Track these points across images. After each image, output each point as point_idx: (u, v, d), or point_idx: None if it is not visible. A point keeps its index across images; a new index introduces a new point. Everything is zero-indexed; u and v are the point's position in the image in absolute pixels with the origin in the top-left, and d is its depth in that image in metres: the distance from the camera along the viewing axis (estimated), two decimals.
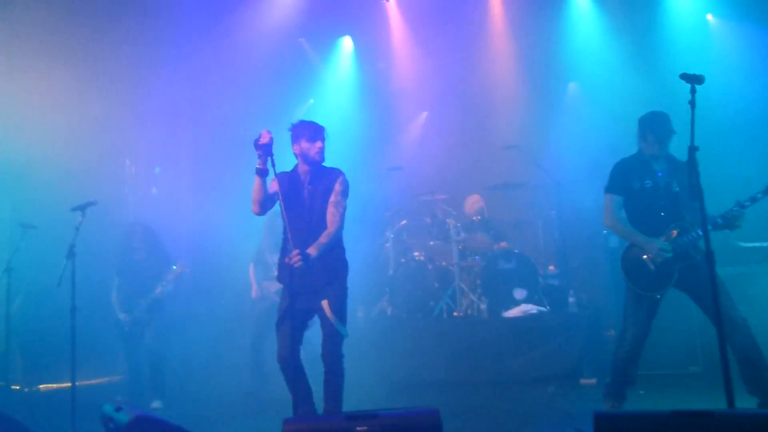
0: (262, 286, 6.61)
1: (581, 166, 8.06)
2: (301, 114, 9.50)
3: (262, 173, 4.03)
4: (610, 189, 4.61)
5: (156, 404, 6.09)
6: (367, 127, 9.16)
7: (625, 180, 4.54)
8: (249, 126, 8.50)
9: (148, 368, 6.22)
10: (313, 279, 4.02)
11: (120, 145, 7.98)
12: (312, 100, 9.66)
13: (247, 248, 6.95)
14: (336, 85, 9.55)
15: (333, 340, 4.01)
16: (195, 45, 8.24)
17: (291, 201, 4.06)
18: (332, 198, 4.10)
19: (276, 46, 8.66)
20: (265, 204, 4.08)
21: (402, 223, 8.03)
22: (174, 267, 6.28)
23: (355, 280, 4.35)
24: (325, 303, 4.02)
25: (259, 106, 8.57)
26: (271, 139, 3.97)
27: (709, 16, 8.27)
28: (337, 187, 4.12)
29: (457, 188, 8.34)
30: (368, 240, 7.86)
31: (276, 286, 6.35)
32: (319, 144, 4.16)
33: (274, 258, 6.46)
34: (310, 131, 4.16)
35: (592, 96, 8.51)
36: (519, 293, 6.94)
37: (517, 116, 8.75)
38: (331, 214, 4.08)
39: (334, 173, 4.19)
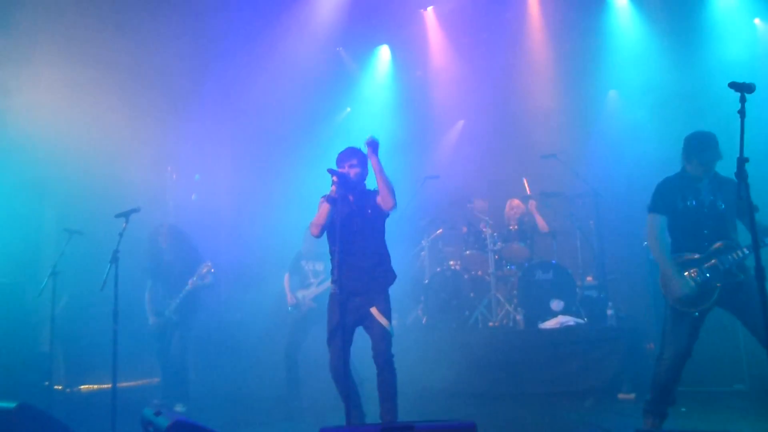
0: (297, 295, 6.65)
1: (621, 175, 7.96)
2: (338, 122, 9.62)
3: (334, 201, 4.31)
4: (652, 209, 4.52)
5: (179, 407, 6.20)
6: (404, 136, 9.19)
7: (668, 200, 4.44)
8: (287, 134, 8.91)
9: (173, 372, 6.36)
10: (366, 284, 4.37)
11: (162, 152, 8.16)
12: (349, 109, 9.74)
13: (284, 255, 7.02)
14: (373, 93, 9.62)
15: (385, 340, 4.29)
16: (235, 55, 8.40)
17: (342, 223, 4.32)
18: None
19: (315, 56, 8.78)
20: (326, 228, 4.39)
21: (438, 232, 8.04)
22: (203, 267, 6.41)
23: (390, 288, 4.49)
24: (374, 310, 4.33)
25: (297, 114, 8.69)
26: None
27: (757, 21, 8.02)
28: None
29: (494, 197, 8.28)
30: (404, 248, 7.86)
31: (312, 294, 6.50)
32: (355, 169, 4.45)
33: (310, 266, 6.64)
34: (342, 156, 4.51)
35: (633, 104, 8.38)
36: (556, 304, 6.86)
37: (555, 125, 8.68)
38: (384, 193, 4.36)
39: (374, 191, 4.50)
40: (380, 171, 4.32)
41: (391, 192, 4.35)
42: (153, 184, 8.06)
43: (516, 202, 7.83)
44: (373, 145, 4.35)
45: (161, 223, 6.79)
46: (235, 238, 8.24)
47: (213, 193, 8.56)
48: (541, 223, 7.60)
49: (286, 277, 6.81)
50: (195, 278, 6.38)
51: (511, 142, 9.03)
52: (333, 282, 4.35)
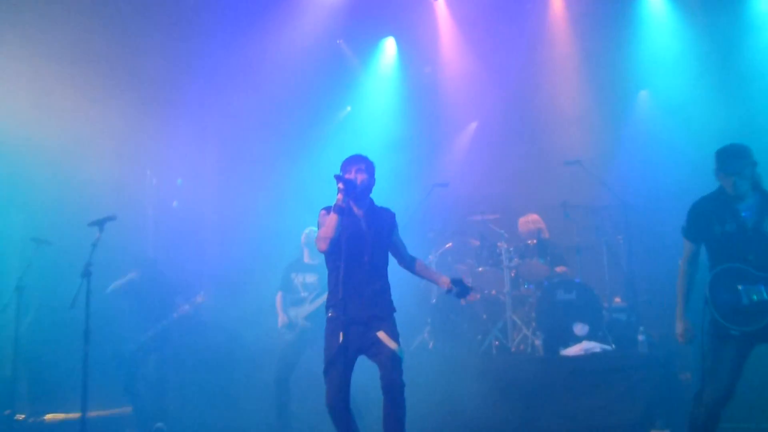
0: (289, 314, 6.67)
1: (653, 185, 7.96)
2: (337, 122, 9.65)
3: (343, 212, 4.30)
4: (685, 234, 4.49)
5: (159, 425, 6.33)
6: (410, 138, 9.22)
7: (702, 225, 4.37)
8: (279, 136, 8.93)
9: (153, 395, 6.44)
10: (369, 311, 4.38)
11: (141, 154, 8.17)
12: (349, 108, 9.77)
13: (276, 267, 7.05)
14: (376, 91, 9.64)
15: (395, 367, 4.26)
16: (223, 48, 8.44)
17: (348, 238, 4.35)
18: (398, 241, 4.63)
19: (311, 49, 8.79)
20: (335, 242, 4.35)
21: (447, 245, 8.01)
22: (198, 297, 6.60)
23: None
24: (381, 334, 4.33)
25: (291, 114, 8.73)
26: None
27: None
28: (397, 229, 4.64)
29: (509, 208, 8.30)
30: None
31: (305, 312, 6.52)
32: (362, 175, 4.47)
33: (299, 278, 6.69)
34: (348, 161, 4.52)
35: (667, 106, 8.38)
36: (580, 329, 6.83)
37: (579, 128, 8.70)
38: (405, 253, 4.66)
39: (389, 214, 4.62)
40: None
41: None
42: (130, 189, 8.06)
43: (534, 217, 7.83)
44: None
45: (136, 264, 6.90)
46: (222, 249, 8.30)
47: (197, 200, 8.58)
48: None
49: (279, 296, 6.82)
50: (186, 306, 6.58)
51: (529, 147, 9.05)
52: (331, 305, 4.35)
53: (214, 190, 8.82)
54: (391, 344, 4.30)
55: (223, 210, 8.65)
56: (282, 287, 6.83)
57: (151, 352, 6.51)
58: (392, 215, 4.60)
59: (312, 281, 6.64)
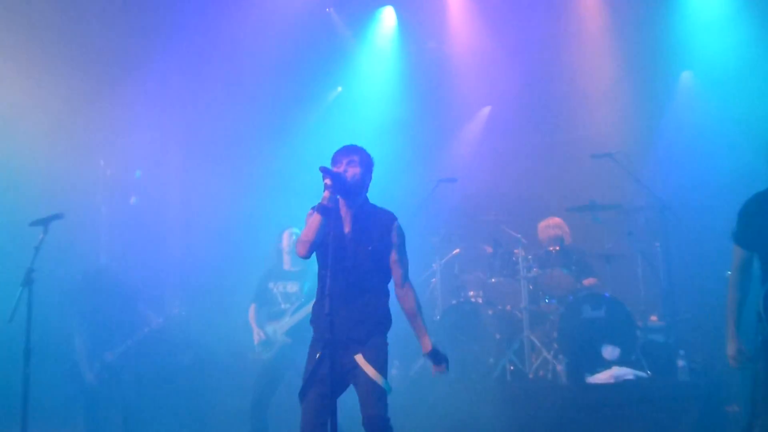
0: (266, 330, 6.66)
1: (697, 182, 7.96)
2: (325, 105, 9.65)
3: (327, 212, 4.24)
4: (735, 239, 4.47)
5: None
6: (411, 126, 9.25)
7: (756, 228, 4.37)
8: (258, 122, 8.90)
9: (121, 421, 6.49)
10: (351, 330, 4.29)
11: (92, 142, 8.15)
12: (340, 89, 9.77)
13: (254, 273, 7.06)
14: (372, 69, 9.64)
15: (375, 400, 4.17)
16: (188, 20, 8.38)
17: (333, 243, 4.27)
18: (394, 256, 4.42)
19: (294, 18, 8.73)
20: (316, 246, 4.32)
21: (454, 252, 8.02)
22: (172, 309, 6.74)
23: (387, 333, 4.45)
24: (359, 358, 4.24)
25: (271, 97, 8.73)
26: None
27: None
28: (395, 238, 4.43)
29: (527, 208, 8.32)
30: (409, 273, 7.81)
31: (286, 327, 6.54)
32: (354, 169, 4.41)
33: (279, 287, 6.70)
34: (339, 153, 4.48)
35: (714, 89, 8.38)
36: (609, 351, 6.85)
37: (609, 115, 8.74)
38: (398, 275, 4.44)
39: (387, 216, 4.48)
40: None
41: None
42: (80, 182, 8.03)
43: (556, 220, 7.85)
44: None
45: (97, 269, 6.93)
46: (189, 253, 8.30)
47: (159, 195, 8.58)
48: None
49: (252, 309, 6.83)
50: (160, 320, 6.72)
51: (551, 137, 9.09)
52: (314, 321, 4.35)
53: (180, 184, 8.82)
54: (370, 371, 4.19)
55: (191, 207, 8.63)
56: (257, 299, 6.84)
57: (119, 373, 6.56)
58: (390, 219, 4.47)
59: (293, 291, 6.65)
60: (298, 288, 6.63)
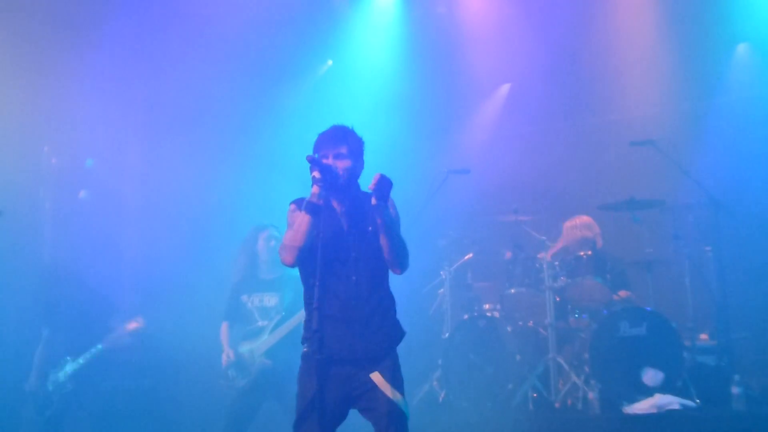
0: (240, 350, 6.64)
1: (755, 176, 7.99)
2: (313, 81, 9.63)
3: (318, 211, 4.24)
4: None
5: None
6: (415, 106, 9.23)
7: None
8: (232, 101, 8.85)
9: None
10: (362, 343, 4.32)
11: (34, 125, 8.08)
12: (331, 62, 9.77)
13: (226, 280, 7.07)
14: (368, 39, 9.63)
15: (396, 426, 4.24)
16: None
17: (326, 244, 4.29)
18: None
19: None
20: (305, 252, 4.31)
21: (466, 257, 8.04)
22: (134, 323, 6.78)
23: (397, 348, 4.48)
24: (377, 376, 4.28)
25: (248, 71, 8.71)
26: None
27: None
28: (393, 211, 4.49)
29: (553, 206, 8.36)
30: (412, 282, 7.77)
31: (265, 347, 6.52)
32: (344, 162, 4.40)
33: (255, 300, 6.71)
34: (324, 141, 4.49)
35: None
36: (651, 376, 6.83)
37: (652, 95, 8.75)
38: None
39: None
40: (388, 227, 4.31)
41: (401, 256, 4.39)
42: (21, 173, 7.98)
43: (585, 219, 7.87)
44: (383, 189, 4.27)
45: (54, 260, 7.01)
46: (151, 256, 8.24)
47: (116, 188, 8.53)
48: None
49: (224, 328, 6.83)
50: (116, 335, 6.74)
51: (582, 120, 9.13)
52: (306, 338, 4.30)
53: (141, 175, 8.77)
54: (390, 393, 4.25)
55: (155, 202, 8.56)
56: (229, 315, 6.83)
57: (65, 400, 6.63)
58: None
59: (272, 304, 6.64)
60: (277, 300, 6.62)
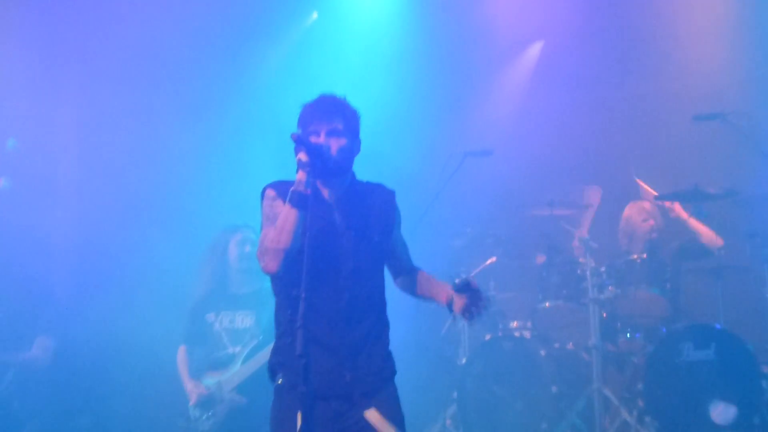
0: (206, 382, 6.61)
1: None
2: (294, 39, 9.56)
3: (306, 202, 4.14)
4: None
5: None
6: (423, 72, 9.20)
7: None
8: (199, 63, 8.77)
9: None
10: (351, 374, 4.29)
11: None
12: (316, 14, 9.72)
13: (186, 292, 7.08)
14: None
15: None
16: None
17: (312, 243, 4.20)
18: (397, 239, 4.60)
19: None
20: (293, 255, 4.22)
21: (488, 262, 8.06)
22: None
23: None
24: (372, 414, 4.28)
25: (215, 27, 8.67)
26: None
27: None
28: (398, 219, 4.60)
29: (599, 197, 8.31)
30: None
31: (236, 380, 6.47)
32: (338, 140, 4.35)
33: (224, 320, 6.71)
34: (312, 113, 4.43)
35: None
36: (721, 411, 6.83)
37: (720, 57, 8.68)
38: (403, 260, 4.66)
39: (384, 193, 4.59)
40: None
41: None
42: None
43: (645, 205, 7.87)
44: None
45: None
46: (88, 249, 8.21)
47: (44, 174, 8.45)
48: (707, 234, 7.56)
49: (181, 353, 6.83)
50: (36, 349, 6.81)
51: (632, 88, 9.13)
52: (283, 366, 4.26)
53: (74, 159, 8.71)
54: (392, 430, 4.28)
55: (92, 185, 8.50)
56: (188, 337, 6.83)
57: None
58: (390, 196, 4.57)
59: (246, 325, 6.62)
60: (252, 321, 6.63)
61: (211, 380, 6.59)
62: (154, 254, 8.00)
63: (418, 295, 4.65)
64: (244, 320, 6.63)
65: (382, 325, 4.47)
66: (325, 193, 4.39)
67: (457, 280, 4.31)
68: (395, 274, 4.66)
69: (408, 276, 4.65)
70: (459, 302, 4.32)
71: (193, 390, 6.61)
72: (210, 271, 6.84)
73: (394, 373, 4.45)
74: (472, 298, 4.31)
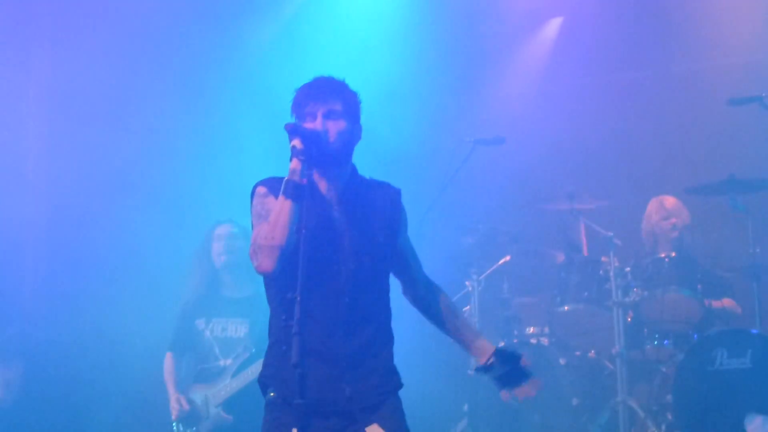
0: (192, 396, 6.67)
1: None
2: (285, 17, 9.55)
3: (302, 193, 4.16)
4: None
5: None
6: (428, 51, 9.24)
7: None
8: (178, 44, 8.78)
9: None
10: (352, 387, 4.27)
11: None
12: None
13: (170, 299, 7.12)
14: None
15: None
16: None
17: (308, 241, 4.23)
18: (404, 245, 4.56)
19: None
20: (288, 251, 4.20)
21: (501, 261, 8.07)
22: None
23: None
24: (375, 430, 4.28)
25: (197, 7, 8.75)
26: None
27: None
28: (404, 221, 4.57)
29: (622, 189, 8.46)
30: None
31: (225, 394, 6.54)
32: (337, 123, 4.34)
33: (215, 329, 6.74)
34: (307, 94, 4.42)
35: None
36: (758, 425, 6.88)
37: (759, 34, 8.74)
38: (414, 270, 4.61)
39: (389, 192, 4.55)
40: None
41: None
42: None
43: (667, 201, 7.89)
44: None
45: None
46: (61, 254, 8.29)
47: (11, 166, 8.50)
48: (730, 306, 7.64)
49: (168, 360, 6.87)
50: None
51: (660, 68, 9.17)
52: (274, 378, 4.27)
53: (47, 153, 8.76)
54: None
55: (64, 180, 8.53)
56: (176, 344, 6.88)
57: None
58: (396, 195, 4.52)
59: (239, 334, 6.67)
60: (246, 330, 6.67)
61: (197, 394, 6.65)
62: (136, 251, 8.06)
63: (440, 328, 4.63)
64: (237, 329, 6.67)
65: (387, 335, 4.45)
66: (323, 186, 4.36)
67: (502, 344, 4.35)
68: (405, 286, 4.59)
69: (426, 295, 4.60)
70: (499, 370, 4.44)
71: (175, 405, 6.65)
72: (199, 273, 6.87)
73: (399, 386, 4.43)
74: (515, 376, 4.48)
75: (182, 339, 6.83)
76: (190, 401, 6.64)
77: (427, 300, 4.60)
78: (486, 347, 4.51)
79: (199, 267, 6.88)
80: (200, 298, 6.86)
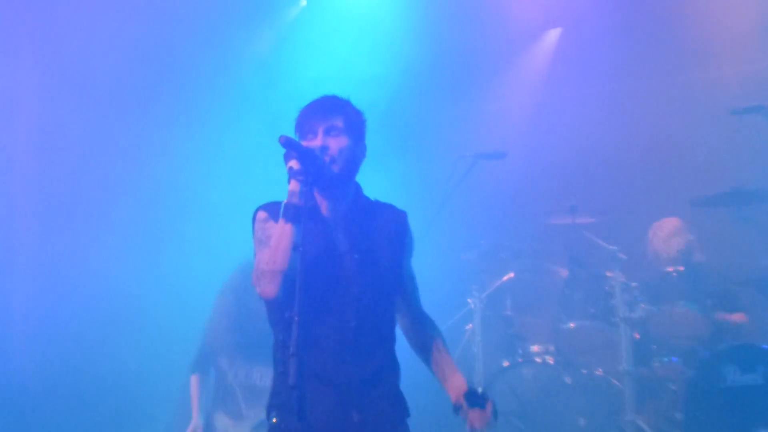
0: (214, 422, 6.61)
1: None
2: (282, 29, 9.56)
3: (296, 215, 4.11)
4: None
5: None
6: (427, 63, 9.16)
7: None
8: (176, 53, 8.73)
9: None
10: (359, 416, 4.24)
11: None
12: (305, 2, 9.72)
13: (190, 315, 7.11)
14: None
15: None
16: None
17: (313, 259, 4.21)
18: (406, 272, 4.57)
19: None
20: (291, 275, 4.14)
21: (504, 278, 8.03)
22: None
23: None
24: None
25: (195, 14, 8.63)
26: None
27: None
28: (410, 247, 4.59)
29: (627, 201, 8.42)
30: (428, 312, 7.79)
31: (250, 423, 6.50)
32: (338, 140, 4.30)
33: (239, 372, 6.65)
34: (309, 114, 4.41)
35: None
36: None
37: (760, 46, 8.66)
38: (411, 299, 4.60)
39: (396, 215, 4.57)
40: None
41: None
42: None
43: (674, 223, 7.87)
44: None
45: None
46: (54, 262, 8.20)
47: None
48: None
49: (194, 382, 6.77)
50: None
51: (663, 78, 9.10)
52: (276, 404, 4.21)
53: (38, 153, 8.62)
54: None
55: (56, 187, 8.44)
56: (200, 365, 6.78)
57: None
58: (402, 218, 4.53)
59: (264, 383, 6.49)
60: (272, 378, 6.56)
61: (221, 423, 6.60)
62: (137, 267, 8.01)
63: (421, 358, 4.62)
64: (262, 378, 6.54)
65: (394, 360, 4.45)
66: (325, 207, 4.35)
67: (467, 388, 4.33)
68: (400, 315, 4.57)
69: (412, 325, 4.59)
70: (468, 413, 4.32)
71: (195, 421, 6.64)
72: (232, 302, 6.71)
73: (407, 415, 4.43)
74: (479, 416, 4.34)
75: (204, 362, 6.76)
76: (212, 425, 6.64)
77: (414, 329, 4.59)
78: (460, 386, 4.42)
79: (233, 298, 6.73)
80: (227, 330, 6.72)
